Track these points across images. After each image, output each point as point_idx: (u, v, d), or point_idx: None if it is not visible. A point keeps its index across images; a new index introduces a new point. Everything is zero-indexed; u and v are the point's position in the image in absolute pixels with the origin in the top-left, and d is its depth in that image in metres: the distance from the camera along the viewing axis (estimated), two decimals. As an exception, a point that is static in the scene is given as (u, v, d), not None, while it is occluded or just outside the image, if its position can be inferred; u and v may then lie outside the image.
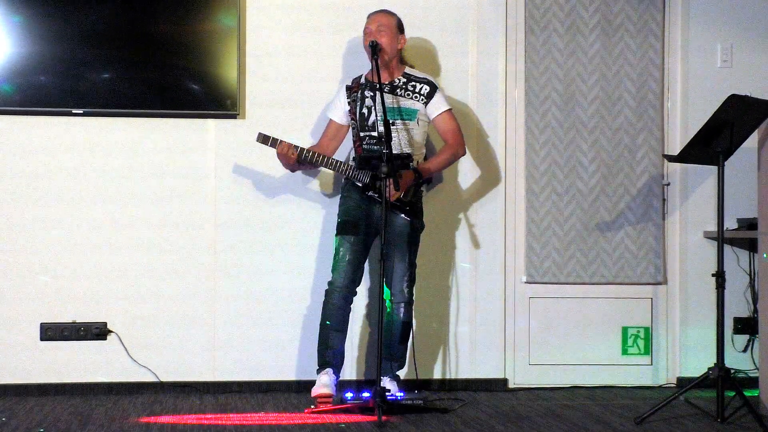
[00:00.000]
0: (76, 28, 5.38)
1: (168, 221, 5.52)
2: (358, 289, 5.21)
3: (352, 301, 5.18)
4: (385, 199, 4.81)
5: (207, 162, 5.56)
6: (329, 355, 5.11)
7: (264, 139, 5.12)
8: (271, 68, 5.60)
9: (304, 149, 5.13)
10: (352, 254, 5.12)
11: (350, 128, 5.29)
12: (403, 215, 5.15)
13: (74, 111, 5.43)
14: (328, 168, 5.20)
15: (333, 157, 5.22)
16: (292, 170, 5.29)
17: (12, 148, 5.43)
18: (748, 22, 5.94)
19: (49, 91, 5.38)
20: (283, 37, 5.62)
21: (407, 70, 5.26)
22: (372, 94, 5.19)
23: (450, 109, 5.26)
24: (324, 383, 5.02)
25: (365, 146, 5.19)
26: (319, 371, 5.11)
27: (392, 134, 4.96)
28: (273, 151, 5.16)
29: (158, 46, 5.47)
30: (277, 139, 5.10)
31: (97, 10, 5.40)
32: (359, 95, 5.23)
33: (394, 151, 5.03)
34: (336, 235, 5.19)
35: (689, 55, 5.89)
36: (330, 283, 5.14)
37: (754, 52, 5.93)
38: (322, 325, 5.14)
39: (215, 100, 5.51)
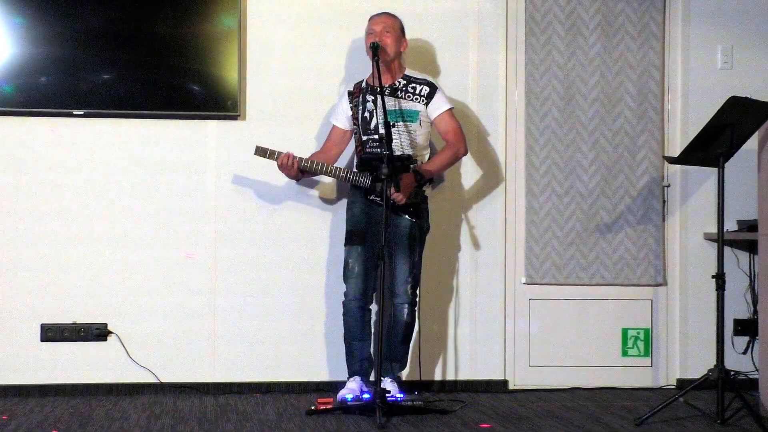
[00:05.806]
0: (76, 29, 5.38)
1: (169, 223, 5.51)
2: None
3: (369, 308, 5.23)
4: (387, 199, 4.81)
5: (208, 163, 5.55)
6: (356, 365, 5.21)
7: (262, 152, 5.14)
8: (272, 69, 5.60)
9: (302, 159, 5.14)
10: (360, 265, 5.15)
11: (353, 133, 5.29)
12: (407, 216, 5.15)
13: (75, 112, 5.42)
14: (329, 175, 5.20)
15: (335, 165, 5.23)
16: (296, 179, 5.28)
17: (13, 149, 5.43)
18: (749, 23, 5.94)
19: (50, 93, 5.38)
20: (284, 38, 5.61)
21: (407, 71, 5.27)
22: (373, 97, 5.19)
23: (451, 109, 5.27)
24: (351, 388, 5.12)
25: (368, 149, 5.20)
26: (348, 378, 5.20)
27: (393, 136, 4.98)
28: (274, 152, 5.17)
29: (159, 47, 5.46)
30: (275, 151, 5.11)
31: (98, 12, 5.40)
32: (360, 99, 5.23)
33: (396, 153, 5.04)
34: (345, 245, 5.22)
35: (689, 56, 5.89)
36: (345, 296, 5.20)
37: (754, 54, 5.93)
38: (345, 338, 5.22)
39: (216, 101, 5.51)
